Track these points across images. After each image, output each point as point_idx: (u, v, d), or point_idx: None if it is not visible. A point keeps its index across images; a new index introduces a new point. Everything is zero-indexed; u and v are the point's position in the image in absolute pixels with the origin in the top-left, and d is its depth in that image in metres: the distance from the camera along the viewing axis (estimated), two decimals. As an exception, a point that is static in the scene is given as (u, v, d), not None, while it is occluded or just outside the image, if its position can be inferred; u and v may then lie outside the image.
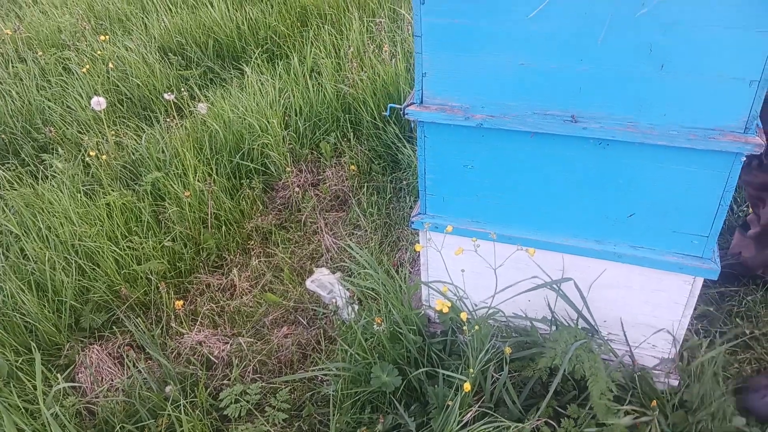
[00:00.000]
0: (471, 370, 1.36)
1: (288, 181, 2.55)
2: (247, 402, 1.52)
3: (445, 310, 1.41)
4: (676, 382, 1.55)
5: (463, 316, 1.42)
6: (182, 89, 3.03)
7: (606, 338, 1.56)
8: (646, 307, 1.48)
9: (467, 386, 1.32)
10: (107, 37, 3.50)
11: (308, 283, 2.07)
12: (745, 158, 1.37)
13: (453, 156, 1.41)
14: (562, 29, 1.16)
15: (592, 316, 1.52)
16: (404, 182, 2.52)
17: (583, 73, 1.19)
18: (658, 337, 1.52)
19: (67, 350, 1.90)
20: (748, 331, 1.79)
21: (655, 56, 1.13)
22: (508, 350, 1.40)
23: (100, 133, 2.81)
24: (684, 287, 1.41)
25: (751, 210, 1.88)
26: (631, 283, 1.45)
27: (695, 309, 1.80)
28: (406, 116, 1.36)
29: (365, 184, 2.51)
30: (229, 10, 3.73)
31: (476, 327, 1.40)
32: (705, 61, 1.10)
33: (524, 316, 1.55)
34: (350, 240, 2.32)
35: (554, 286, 1.47)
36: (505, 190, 1.42)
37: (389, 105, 1.39)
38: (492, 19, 1.19)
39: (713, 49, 1.09)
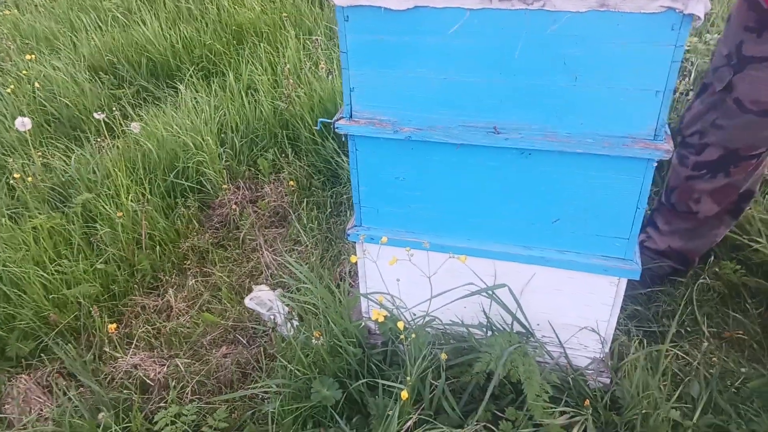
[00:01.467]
0: (408, 378, 1.37)
1: (225, 199, 2.53)
2: (183, 423, 1.48)
3: (381, 319, 1.43)
4: (607, 380, 1.61)
5: (400, 325, 1.43)
6: (114, 109, 2.96)
7: (541, 341, 1.61)
8: (576, 309, 1.54)
9: (404, 394, 1.33)
10: (33, 56, 3.38)
11: (247, 300, 2.05)
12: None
13: (384, 168, 1.44)
14: (481, 45, 1.20)
15: (527, 320, 1.56)
16: (344, 196, 2.53)
17: (503, 86, 1.24)
18: (588, 337, 1.58)
19: (-9, 382, 1.81)
20: (674, 329, 1.88)
21: (569, 69, 1.19)
22: (444, 356, 1.43)
23: (25, 154, 2.71)
24: (610, 288, 1.47)
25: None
26: (560, 286, 1.51)
27: (625, 309, 1.90)
28: (336, 130, 1.38)
29: (305, 200, 2.51)
30: (162, 28, 3.68)
31: (413, 335, 1.42)
32: (614, 74, 1.17)
33: (460, 322, 1.58)
34: (290, 256, 2.31)
35: (488, 292, 1.51)
36: (436, 201, 1.46)
37: (319, 120, 1.40)
38: (414, 36, 1.23)
39: (621, 62, 1.16)
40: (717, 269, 2.02)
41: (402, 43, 1.24)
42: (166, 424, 1.45)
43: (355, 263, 1.74)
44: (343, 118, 1.38)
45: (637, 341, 1.68)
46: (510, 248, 1.47)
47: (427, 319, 1.55)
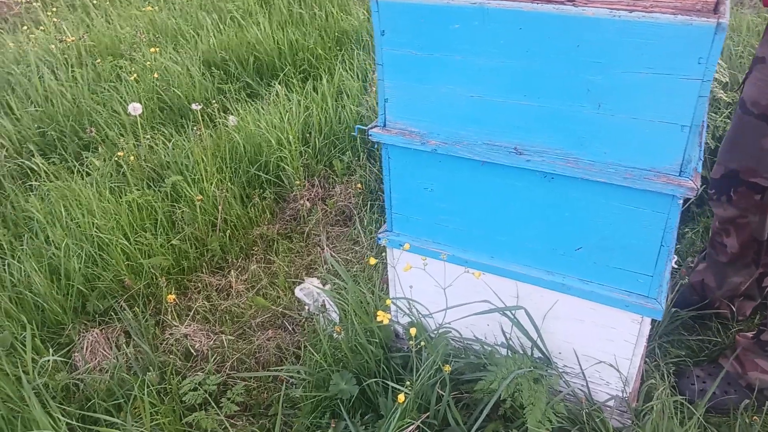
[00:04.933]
0: (407, 383, 1.41)
1: (299, 194, 2.68)
2: (205, 392, 1.62)
3: (386, 321, 1.47)
4: (628, 422, 1.54)
5: (413, 331, 1.47)
6: (214, 102, 3.23)
7: (562, 370, 1.58)
8: (598, 342, 1.49)
9: (401, 397, 1.37)
10: (157, 49, 3.77)
11: (297, 290, 2.17)
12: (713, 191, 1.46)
13: (414, 178, 1.49)
14: (506, 65, 1.22)
15: (545, 346, 1.54)
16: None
17: (526, 108, 1.25)
18: (611, 373, 1.53)
19: (69, 330, 2.06)
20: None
21: (592, 96, 1.17)
22: (447, 368, 1.45)
23: (135, 136, 3.03)
24: (632, 326, 1.42)
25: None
26: (583, 317, 1.47)
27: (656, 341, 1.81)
28: (369, 137, 1.45)
29: (369, 203, 2.60)
30: (272, 29, 3.94)
31: (422, 343, 1.45)
32: (639, 104, 1.14)
33: (476, 338, 1.59)
34: (347, 255, 2.41)
35: (507, 313, 1.51)
36: (462, 214, 1.48)
37: (357, 126, 1.48)
38: (444, 53, 1.27)
39: (646, 93, 1.13)
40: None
41: (432, 59, 1.29)
42: (190, 389, 1.60)
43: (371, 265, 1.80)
44: (377, 126, 1.45)
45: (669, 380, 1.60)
46: (532, 271, 1.46)
47: (444, 330, 1.57)
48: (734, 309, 1.90)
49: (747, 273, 1.80)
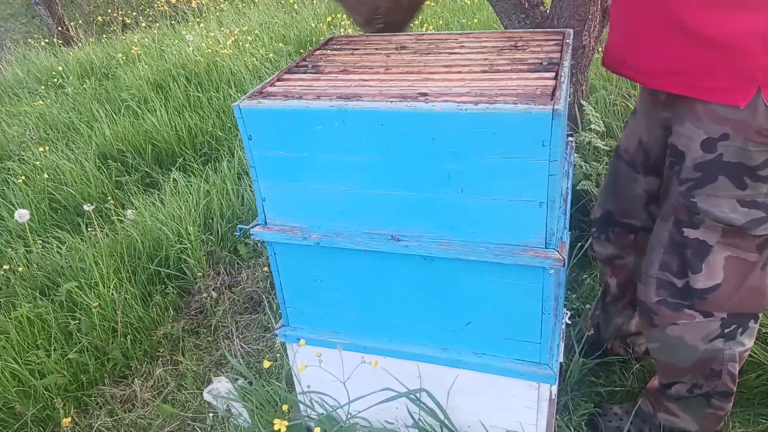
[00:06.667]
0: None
1: (203, 285, 2.60)
2: None
3: (283, 429, 1.43)
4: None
5: (317, 431, 1.43)
6: (110, 198, 3.13)
7: (474, 443, 1.58)
8: (501, 412, 1.51)
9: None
10: (46, 148, 3.64)
11: (205, 393, 2.07)
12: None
13: (302, 271, 1.48)
14: (372, 160, 1.25)
15: (451, 424, 1.54)
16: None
17: (397, 197, 1.28)
18: (521, 441, 1.54)
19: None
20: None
21: (454, 182, 1.22)
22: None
23: (24, 244, 2.88)
24: (531, 392, 1.44)
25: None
26: (483, 389, 1.49)
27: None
28: (251, 236, 1.44)
29: (278, 286, 2.56)
30: (170, 115, 3.91)
31: (328, 441, 1.41)
32: (497, 186, 1.20)
33: (386, 425, 1.56)
34: (258, 344, 2.35)
35: (410, 396, 1.50)
36: (353, 303, 1.48)
37: (238, 226, 1.47)
38: (312, 152, 1.29)
39: (502, 176, 1.18)
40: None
41: (301, 158, 1.31)
42: None
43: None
44: (258, 225, 1.44)
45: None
46: (429, 350, 1.47)
47: (353, 422, 1.54)
48: (628, 348, 1.97)
49: (627, 314, 1.89)
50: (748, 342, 1.48)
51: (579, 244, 2.38)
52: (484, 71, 1.30)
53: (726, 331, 1.44)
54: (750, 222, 1.27)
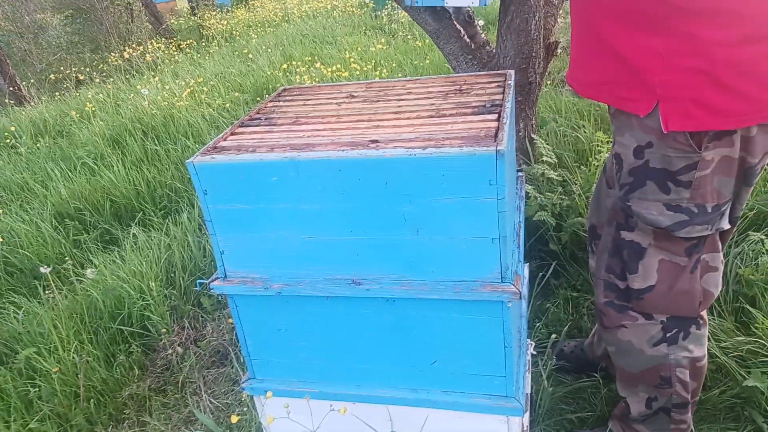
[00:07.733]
0: None
1: (167, 341, 2.55)
2: None
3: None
4: None
5: (290, 483, 1.41)
6: (68, 258, 3.07)
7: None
8: (474, 448, 1.51)
9: None
10: (1, 210, 3.56)
11: (174, 452, 2.02)
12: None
13: (265, 322, 1.48)
14: (328, 207, 1.28)
15: (426, 464, 1.53)
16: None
17: (356, 242, 1.30)
18: (495, 476, 1.54)
19: None
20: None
21: (409, 224, 1.25)
22: None
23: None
24: (501, 426, 1.45)
25: None
26: (454, 427, 1.49)
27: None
28: (212, 291, 1.43)
29: (245, 337, 2.53)
30: (127, 170, 3.88)
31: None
32: (451, 226, 1.23)
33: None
34: (228, 398, 2.30)
35: (383, 437, 1.50)
36: (319, 350, 1.48)
37: (198, 281, 1.46)
38: (269, 203, 1.31)
39: (454, 215, 1.22)
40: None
41: (258, 210, 1.32)
42: None
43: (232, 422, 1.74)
44: (218, 278, 1.44)
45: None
46: (398, 392, 1.48)
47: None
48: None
49: None
50: (696, 349, 1.52)
51: (540, 273, 2.43)
52: (431, 116, 1.35)
53: (668, 335, 1.51)
54: (675, 224, 1.35)
